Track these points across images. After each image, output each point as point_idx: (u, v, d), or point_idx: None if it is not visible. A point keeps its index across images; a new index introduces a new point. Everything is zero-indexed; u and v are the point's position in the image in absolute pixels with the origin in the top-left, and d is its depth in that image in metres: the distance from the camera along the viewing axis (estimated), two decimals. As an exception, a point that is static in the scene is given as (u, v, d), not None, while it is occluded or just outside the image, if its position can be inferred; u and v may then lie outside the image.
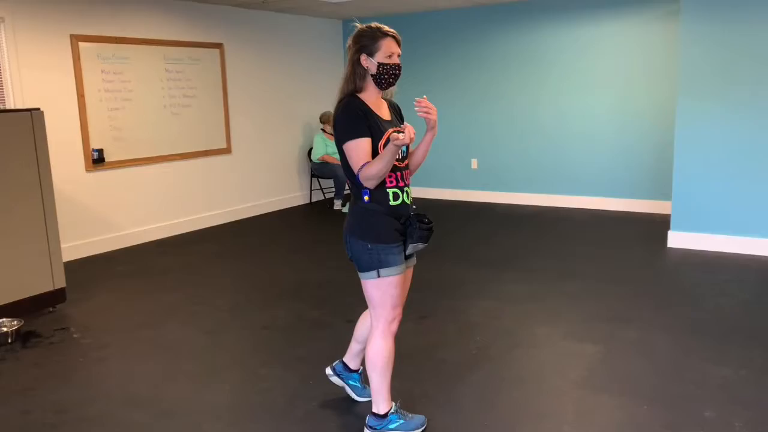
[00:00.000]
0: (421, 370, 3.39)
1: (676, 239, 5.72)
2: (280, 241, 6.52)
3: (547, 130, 7.67)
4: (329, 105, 8.76)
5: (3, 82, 5.33)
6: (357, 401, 3.06)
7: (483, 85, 8.02)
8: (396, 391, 3.12)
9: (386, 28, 2.53)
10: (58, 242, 4.47)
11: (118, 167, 6.15)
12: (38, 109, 4.33)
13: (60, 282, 4.49)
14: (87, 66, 5.83)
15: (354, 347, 3.00)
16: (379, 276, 2.55)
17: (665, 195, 6.85)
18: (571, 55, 7.39)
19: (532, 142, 7.80)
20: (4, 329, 4.00)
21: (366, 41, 2.50)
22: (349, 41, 2.55)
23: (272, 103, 7.89)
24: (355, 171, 2.46)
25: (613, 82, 7.20)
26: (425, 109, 2.57)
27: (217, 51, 7.04)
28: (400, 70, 2.56)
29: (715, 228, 5.56)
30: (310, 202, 8.55)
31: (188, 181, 6.87)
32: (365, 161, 2.43)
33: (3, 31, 5.27)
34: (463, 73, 8.14)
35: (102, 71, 5.95)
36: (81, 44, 5.77)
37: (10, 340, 3.93)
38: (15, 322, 4.06)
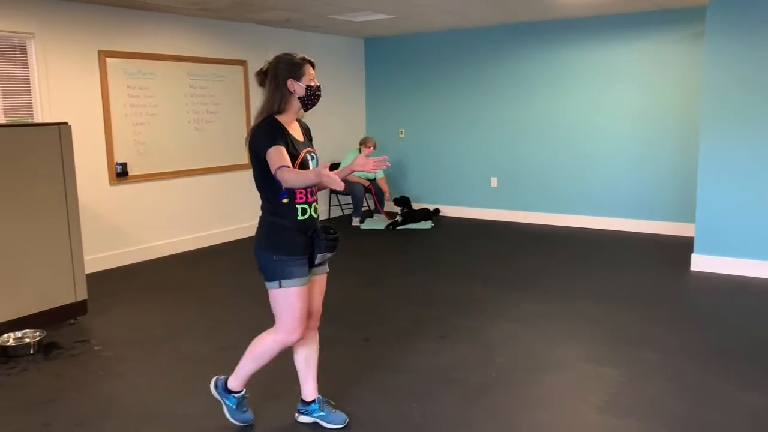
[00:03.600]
0: (438, 390, 3.35)
1: (700, 262, 5.63)
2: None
3: (569, 149, 7.64)
4: (352, 122, 8.82)
5: (32, 96, 5.43)
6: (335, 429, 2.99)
7: (504, 103, 8.02)
8: (413, 411, 3.09)
9: (305, 55, 2.78)
10: (82, 255, 4.52)
11: (141, 181, 6.22)
12: (66, 123, 4.40)
13: (82, 294, 4.53)
14: (113, 81, 5.93)
15: (300, 377, 3.03)
16: (281, 286, 2.71)
17: (688, 217, 6.76)
18: (593, 75, 7.37)
19: (553, 162, 7.76)
20: (27, 340, 4.04)
21: (292, 67, 2.72)
22: (270, 67, 2.74)
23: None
24: (273, 169, 2.57)
25: (636, 103, 7.16)
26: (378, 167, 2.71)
27: (240, 68, 7.12)
28: (321, 92, 2.82)
29: (739, 252, 5.47)
30: (329, 218, 8.57)
31: (209, 195, 6.93)
32: (285, 164, 2.56)
33: (33, 47, 5.38)
34: (483, 91, 8.15)
35: (128, 86, 6.05)
36: (108, 60, 5.87)
37: (32, 351, 3.97)
38: (37, 334, 4.10)
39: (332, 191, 8.45)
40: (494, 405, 3.18)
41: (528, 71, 7.79)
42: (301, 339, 2.85)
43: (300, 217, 2.72)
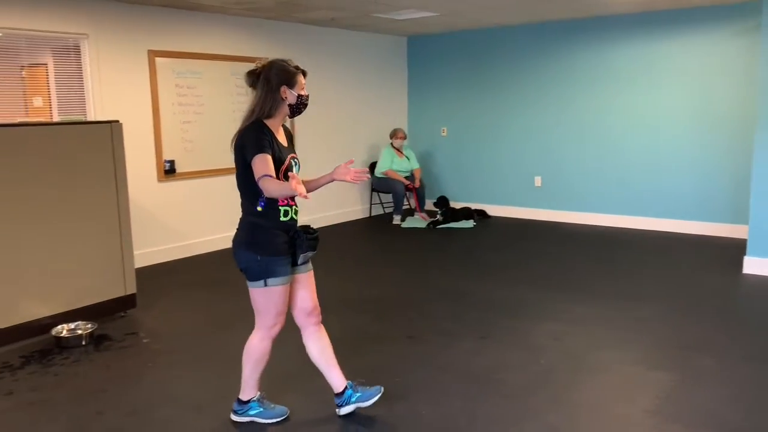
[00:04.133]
0: (481, 390, 3.33)
1: (753, 265, 5.46)
2: (340, 253, 6.57)
3: (617, 148, 7.49)
4: (394, 119, 8.83)
5: (85, 94, 5.59)
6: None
7: (548, 101, 7.91)
8: (456, 411, 3.08)
9: (298, 65, 2.87)
10: (131, 249, 4.64)
11: (188, 178, 6.35)
12: (117, 121, 4.52)
13: (131, 288, 4.65)
14: (162, 80, 6.06)
15: (325, 373, 3.05)
16: (266, 285, 2.78)
17: (742, 218, 6.56)
18: (643, 72, 7.20)
19: (600, 161, 7.62)
20: (79, 332, 4.16)
21: (287, 75, 2.79)
22: (264, 70, 2.80)
23: (336, 117, 8.00)
24: (257, 177, 2.62)
25: (688, 100, 6.97)
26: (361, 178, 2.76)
27: (285, 66, 7.19)
28: (308, 102, 2.90)
29: (795, 254, 5.28)
30: (370, 216, 8.59)
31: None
32: (269, 173, 2.61)
33: (87, 47, 5.54)
34: (527, 89, 8.05)
35: (176, 85, 6.18)
36: (158, 59, 6.01)
37: (84, 343, 4.09)
38: (89, 326, 4.23)
39: (373, 189, 8.47)
40: (538, 406, 3.14)
41: (573, 69, 7.66)
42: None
43: (282, 219, 2.80)
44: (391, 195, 8.32)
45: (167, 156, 6.16)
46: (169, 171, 6.17)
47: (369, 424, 2.99)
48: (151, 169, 6.07)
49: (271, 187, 2.59)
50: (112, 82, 5.71)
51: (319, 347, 3.01)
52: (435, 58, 8.78)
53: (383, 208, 8.74)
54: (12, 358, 3.87)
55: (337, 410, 3.07)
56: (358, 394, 3.03)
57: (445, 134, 8.85)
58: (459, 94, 8.62)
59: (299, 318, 3.00)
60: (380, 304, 4.83)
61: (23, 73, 5.39)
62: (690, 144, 7.00)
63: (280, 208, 2.79)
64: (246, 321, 4.46)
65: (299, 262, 2.85)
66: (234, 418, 3.04)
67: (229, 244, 7.36)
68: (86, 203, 4.34)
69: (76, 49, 5.55)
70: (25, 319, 4.09)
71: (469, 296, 4.97)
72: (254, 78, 2.82)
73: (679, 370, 3.54)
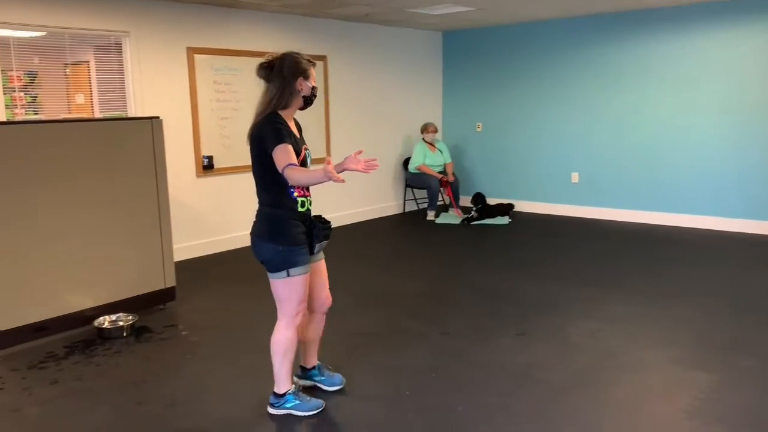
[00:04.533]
0: (518, 387, 3.31)
1: (799, 264, 5.30)
2: (374, 249, 6.58)
3: (656, 143, 7.34)
4: (429, 115, 8.80)
5: (126, 91, 5.71)
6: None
7: (584, 96, 7.79)
8: (492, 407, 3.06)
9: (309, 57, 2.97)
10: (171, 243, 4.73)
11: (226, 173, 6.44)
12: (158, 117, 4.61)
13: (171, 281, 4.74)
14: (201, 77, 6.15)
15: (308, 349, 3.25)
16: (288, 275, 2.84)
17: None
18: (681, 66, 7.04)
19: (639, 156, 7.48)
20: (121, 323, 4.26)
21: (302, 67, 2.88)
22: (278, 63, 2.86)
23: (371, 113, 8.01)
24: (281, 167, 2.69)
25: (728, 95, 6.79)
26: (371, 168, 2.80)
27: (320, 63, 7.23)
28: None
29: None
30: (404, 212, 8.59)
31: (289, 188, 7.08)
32: (292, 162, 2.69)
33: (128, 45, 5.65)
34: (564, 84, 7.94)
35: (214, 82, 6.26)
36: (196, 56, 6.10)
37: (125, 334, 4.19)
38: (130, 317, 4.32)
39: (407, 185, 8.46)
40: (576, 405, 3.11)
41: (611, 63, 7.53)
42: (305, 320, 3.11)
43: (300, 209, 2.88)
44: (425, 191, 8.31)
45: (205, 152, 6.25)
46: (207, 166, 6.26)
47: (405, 419, 3.00)
48: (190, 165, 6.17)
49: (298, 175, 2.67)
50: (152, 79, 5.82)
51: (317, 332, 3.21)
52: (470, 53, 8.72)
53: (417, 203, 8.73)
54: (57, 348, 3.98)
55: (294, 379, 3.22)
56: (322, 377, 3.27)
57: (480, 130, 8.79)
58: (494, 90, 8.55)
59: (313, 304, 3.12)
60: (414, 299, 4.83)
61: (67, 71, 5.53)
62: (730, 138, 6.82)
63: (297, 198, 2.87)
64: (282, 315, 4.52)
65: (315, 251, 2.94)
66: (271, 411, 3.08)
67: (265, 239, 7.31)
68: (128, 198, 4.44)
69: (118, 47, 5.67)
70: (69, 310, 4.20)
71: (505, 293, 4.93)
72: (268, 70, 2.86)
73: (720, 370, 3.46)
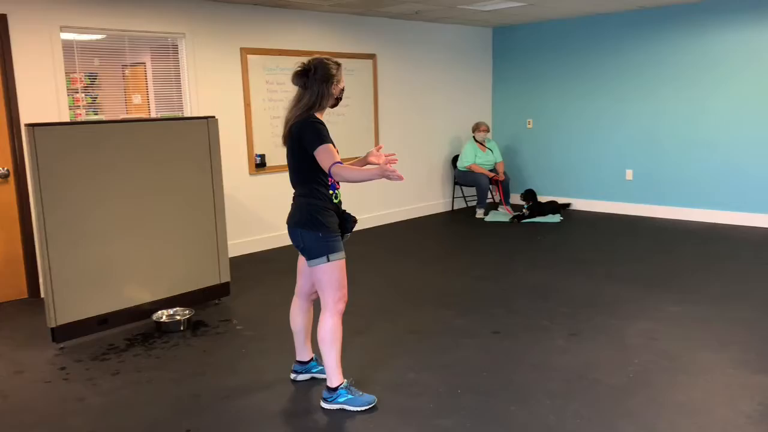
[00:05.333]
0: (572, 389, 3.26)
1: None
2: (424, 247, 6.58)
3: (714, 140, 7.10)
4: (478, 112, 8.74)
5: (182, 91, 5.86)
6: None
7: (639, 91, 7.59)
8: (545, 409, 3.03)
9: (338, 60, 3.11)
10: (226, 240, 4.83)
11: (277, 171, 6.54)
12: (213, 117, 4.71)
13: (225, 276, 4.84)
14: (254, 77, 6.26)
15: (297, 341, 3.41)
16: (329, 261, 2.99)
17: None
18: (743, 59, 6.79)
19: (696, 153, 7.25)
20: (178, 317, 4.38)
21: (335, 71, 3.04)
22: (314, 68, 2.99)
23: (420, 111, 8.00)
24: (327, 165, 2.87)
25: (795, 88, 6.51)
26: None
27: (370, 61, 7.27)
28: None
29: None
30: (452, 210, 8.55)
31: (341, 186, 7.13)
32: (338, 160, 2.88)
33: (184, 46, 5.80)
34: (616, 79, 7.76)
35: (266, 82, 6.37)
36: (249, 57, 6.21)
37: (182, 328, 4.30)
38: (187, 312, 4.44)
39: (456, 183, 8.42)
40: (633, 407, 3.04)
41: (666, 57, 7.31)
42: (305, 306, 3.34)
43: (334, 201, 3.08)
44: (473, 188, 8.26)
45: (258, 150, 6.36)
46: (259, 164, 6.37)
47: (456, 417, 3.00)
48: (243, 163, 6.29)
49: (347, 173, 2.84)
50: (207, 79, 5.96)
51: (306, 320, 3.38)
52: (521, 49, 8.61)
53: (465, 201, 8.68)
54: (118, 341, 4.13)
55: (293, 375, 3.43)
56: (321, 367, 3.39)
57: (530, 126, 8.67)
58: (545, 86, 8.42)
59: (305, 288, 3.30)
60: (464, 298, 4.81)
61: (126, 72, 5.71)
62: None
63: (332, 191, 3.07)
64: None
65: (344, 240, 3.11)
66: (324, 405, 3.12)
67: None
68: (185, 195, 4.56)
69: (174, 48, 5.82)
70: (129, 304, 4.35)
71: (557, 292, 4.86)
72: (304, 77, 3.01)
73: (787, 375, 3.33)
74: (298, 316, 3.37)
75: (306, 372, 3.45)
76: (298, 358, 3.45)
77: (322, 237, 2.98)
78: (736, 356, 3.59)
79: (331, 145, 2.93)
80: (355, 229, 3.28)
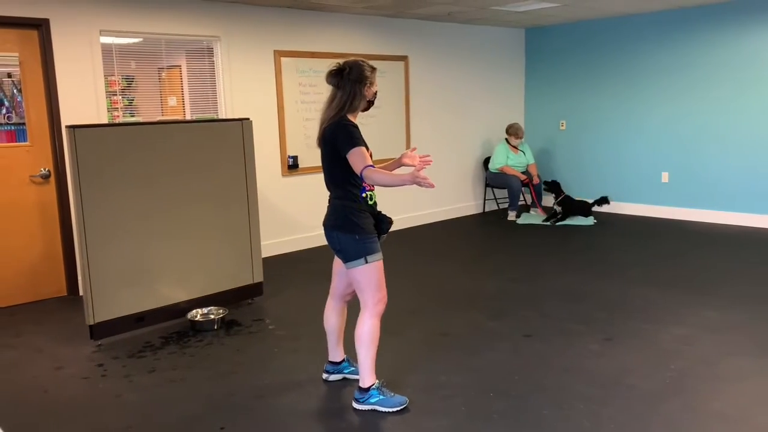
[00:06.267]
0: (607, 393, 3.21)
1: None
2: (455, 249, 6.55)
3: (752, 142, 6.93)
4: (510, 114, 8.68)
5: (217, 93, 5.95)
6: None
7: (674, 92, 7.46)
8: (579, 414, 2.99)
9: (372, 64, 3.10)
10: (259, 240, 4.88)
11: (310, 173, 6.58)
12: (248, 118, 4.77)
13: (258, 276, 4.90)
14: (287, 79, 6.32)
15: (330, 342, 3.42)
16: (366, 262, 2.99)
17: None
18: (786, 59, 6.62)
19: (734, 155, 7.09)
20: (212, 316, 4.44)
21: (369, 73, 3.04)
22: (348, 69, 2.99)
23: (452, 113, 7.98)
24: (359, 168, 2.87)
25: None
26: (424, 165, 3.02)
27: (402, 63, 7.27)
28: None
29: None
30: (483, 212, 8.51)
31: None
32: (370, 164, 2.88)
33: (219, 49, 5.88)
34: (652, 80, 7.63)
35: (299, 84, 6.42)
36: (283, 59, 6.27)
37: (216, 327, 4.36)
38: (221, 311, 4.50)
39: (487, 185, 8.38)
40: (670, 414, 2.99)
41: (703, 58, 7.17)
42: (340, 306, 3.36)
43: (369, 203, 3.08)
44: (505, 190, 8.20)
45: (291, 152, 6.42)
46: (292, 166, 6.43)
47: (489, 420, 2.98)
48: (276, 164, 6.35)
49: (378, 177, 2.85)
50: (241, 81, 6.03)
51: (341, 320, 3.38)
52: (554, 49, 8.53)
53: (497, 203, 8.63)
54: (153, 339, 4.20)
55: (325, 375, 3.45)
56: (352, 368, 3.41)
57: (563, 128, 8.58)
58: (578, 87, 8.32)
59: (340, 289, 3.30)
60: (496, 300, 4.78)
61: (162, 75, 5.81)
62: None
63: (366, 193, 3.07)
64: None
65: (380, 241, 3.10)
66: (356, 406, 3.13)
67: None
68: (219, 196, 4.62)
69: (209, 51, 5.91)
70: (164, 302, 4.42)
71: (591, 295, 4.80)
72: (338, 77, 3.01)
73: (831, 384, 3.24)
74: (332, 316, 3.38)
75: (338, 372, 3.46)
76: (330, 359, 3.46)
77: (359, 239, 2.99)
78: (776, 363, 3.50)
79: (363, 148, 2.93)
80: (394, 229, 3.29)
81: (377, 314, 3.08)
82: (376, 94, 3.12)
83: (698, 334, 3.97)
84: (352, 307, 3.40)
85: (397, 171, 3.24)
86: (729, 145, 7.12)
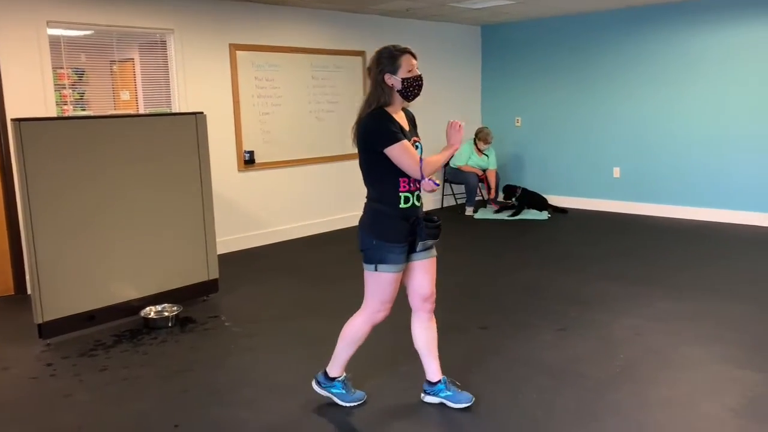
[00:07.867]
0: (559, 383, 3.28)
1: None
2: (414, 244, 6.58)
3: (704, 136, 7.16)
4: (468, 109, 8.75)
5: (170, 87, 5.83)
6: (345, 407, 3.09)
7: (626, 89, 7.64)
8: (533, 404, 3.05)
9: (401, 45, 2.83)
10: (214, 236, 4.82)
11: (266, 168, 6.52)
12: (201, 112, 4.69)
13: (214, 273, 4.83)
14: (242, 73, 6.24)
15: (424, 360, 3.10)
16: (376, 270, 2.83)
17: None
18: (726, 57, 6.85)
19: (683, 151, 7.31)
20: (166, 314, 4.37)
21: (386, 61, 2.78)
22: (371, 63, 2.83)
23: (409, 108, 7.99)
24: (411, 170, 2.72)
25: (780, 87, 6.58)
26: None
27: (359, 58, 7.26)
28: (422, 81, 2.86)
29: None
30: (442, 207, 8.57)
31: (329, 183, 7.14)
32: (418, 157, 2.72)
33: (172, 42, 5.77)
34: (604, 77, 7.80)
35: (255, 78, 6.35)
36: (238, 53, 6.19)
37: (170, 324, 4.29)
38: (175, 308, 4.43)
39: (446, 180, 8.44)
40: (619, 401, 3.07)
41: (653, 56, 7.36)
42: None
43: (402, 205, 2.82)
44: (463, 186, 8.27)
45: (247, 146, 6.35)
46: (248, 161, 6.36)
47: (446, 413, 3.01)
48: (232, 159, 6.27)
49: (432, 163, 2.76)
50: (196, 75, 5.93)
51: (426, 336, 3.03)
52: (509, 47, 8.63)
53: (455, 199, 8.70)
54: (105, 337, 4.11)
55: (422, 395, 3.11)
56: (448, 393, 3.04)
57: (519, 125, 8.70)
58: (533, 84, 8.45)
59: (414, 301, 3.00)
60: (453, 294, 4.83)
61: (114, 68, 5.67)
62: (784, 133, 6.61)
63: (400, 194, 2.81)
64: (325, 307, 4.57)
65: (417, 249, 2.87)
66: (315, 387, 3.11)
67: (307, 233, 7.53)
68: (172, 192, 4.54)
69: (162, 44, 5.79)
70: (116, 300, 4.32)
71: (545, 288, 4.89)
72: (368, 72, 2.88)
73: (771, 369, 3.37)
74: (416, 333, 3.04)
75: (434, 395, 3.07)
76: (427, 378, 3.10)
77: (375, 245, 2.81)
78: (722, 352, 3.62)
79: (404, 141, 2.71)
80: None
81: (372, 322, 2.94)
82: (407, 80, 2.76)
83: (648, 324, 4.08)
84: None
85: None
86: (679, 141, 7.33)
